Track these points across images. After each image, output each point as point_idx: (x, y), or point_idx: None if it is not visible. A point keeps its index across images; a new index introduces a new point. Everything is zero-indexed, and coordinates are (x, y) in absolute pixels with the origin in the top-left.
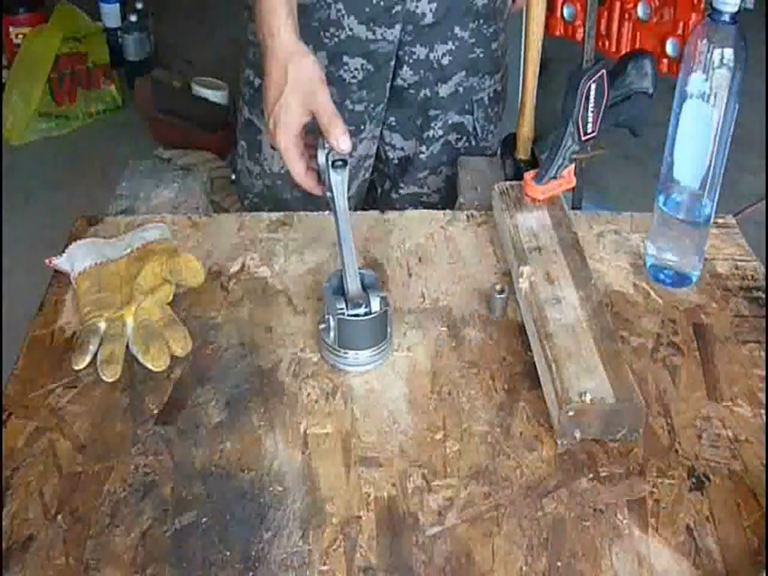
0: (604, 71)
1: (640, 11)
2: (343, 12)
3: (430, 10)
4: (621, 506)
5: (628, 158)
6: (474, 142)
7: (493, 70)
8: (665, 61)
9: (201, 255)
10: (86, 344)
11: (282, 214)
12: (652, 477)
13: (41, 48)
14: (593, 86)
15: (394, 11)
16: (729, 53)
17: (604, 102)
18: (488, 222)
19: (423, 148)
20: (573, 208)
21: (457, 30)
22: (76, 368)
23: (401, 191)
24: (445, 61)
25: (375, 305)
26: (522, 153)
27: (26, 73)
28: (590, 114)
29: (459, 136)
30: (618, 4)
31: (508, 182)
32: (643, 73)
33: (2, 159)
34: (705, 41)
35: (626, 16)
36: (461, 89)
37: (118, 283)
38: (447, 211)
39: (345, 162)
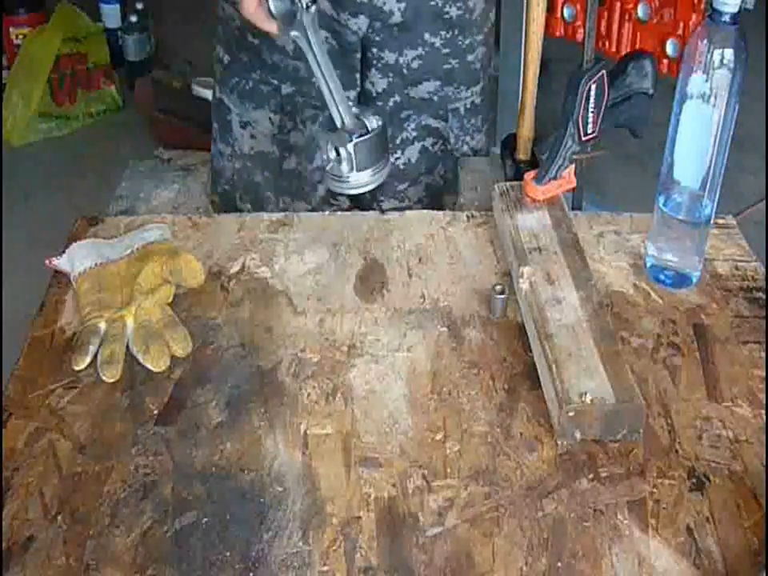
0: (604, 72)
1: (640, 12)
2: None
3: (399, 9)
4: (621, 507)
5: (628, 158)
6: (449, 146)
7: (470, 82)
8: (665, 61)
9: (201, 256)
10: (86, 344)
11: (282, 214)
12: (652, 477)
13: (41, 48)
14: (593, 87)
15: (358, 0)
16: (729, 53)
17: (604, 102)
18: (488, 223)
19: (399, 153)
20: (573, 208)
21: (427, 36)
22: (76, 368)
23: (382, 206)
24: (414, 65)
25: (372, 123)
26: (522, 153)
27: (26, 73)
28: (590, 115)
29: (435, 140)
30: (618, 4)
31: (508, 183)
32: (643, 73)
33: (2, 159)
34: (705, 41)
35: (626, 16)
36: (435, 97)
37: (118, 284)
38: (447, 212)
39: (314, 1)
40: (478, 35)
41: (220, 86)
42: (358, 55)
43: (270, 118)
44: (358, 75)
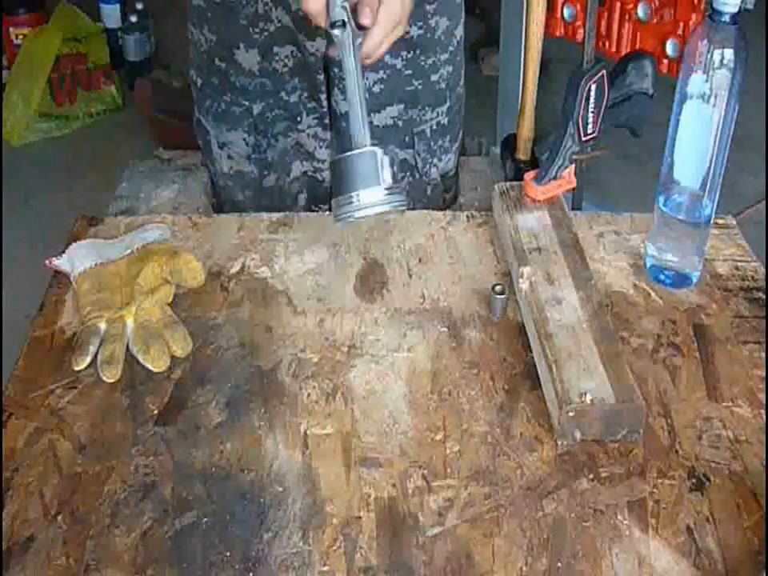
0: (604, 72)
1: (640, 12)
2: (270, 5)
3: None
4: (621, 507)
5: (628, 158)
6: (417, 176)
7: (435, 102)
8: (665, 61)
9: (201, 256)
10: (86, 344)
11: (282, 214)
12: (652, 477)
13: (41, 48)
14: (593, 87)
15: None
16: (729, 53)
17: (604, 102)
18: (488, 223)
19: None
20: (573, 208)
21: (387, 58)
22: (76, 368)
23: None
24: (376, 89)
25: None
26: (522, 153)
27: (26, 73)
28: (591, 115)
29: (403, 174)
30: (618, 4)
31: (508, 183)
32: (643, 73)
33: (2, 159)
34: (705, 41)
35: (626, 16)
36: (400, 122)
37: (118, 284)
38: (447, 212)
39: (343, 23)
40: (441, 54)
41: (197, 107)
42: (321, 76)
43: (244, 139)
44: (323, 96)
